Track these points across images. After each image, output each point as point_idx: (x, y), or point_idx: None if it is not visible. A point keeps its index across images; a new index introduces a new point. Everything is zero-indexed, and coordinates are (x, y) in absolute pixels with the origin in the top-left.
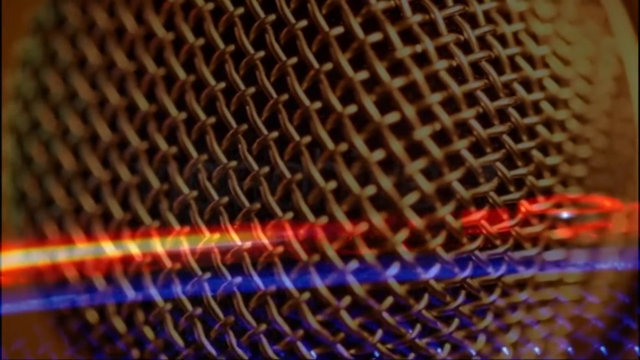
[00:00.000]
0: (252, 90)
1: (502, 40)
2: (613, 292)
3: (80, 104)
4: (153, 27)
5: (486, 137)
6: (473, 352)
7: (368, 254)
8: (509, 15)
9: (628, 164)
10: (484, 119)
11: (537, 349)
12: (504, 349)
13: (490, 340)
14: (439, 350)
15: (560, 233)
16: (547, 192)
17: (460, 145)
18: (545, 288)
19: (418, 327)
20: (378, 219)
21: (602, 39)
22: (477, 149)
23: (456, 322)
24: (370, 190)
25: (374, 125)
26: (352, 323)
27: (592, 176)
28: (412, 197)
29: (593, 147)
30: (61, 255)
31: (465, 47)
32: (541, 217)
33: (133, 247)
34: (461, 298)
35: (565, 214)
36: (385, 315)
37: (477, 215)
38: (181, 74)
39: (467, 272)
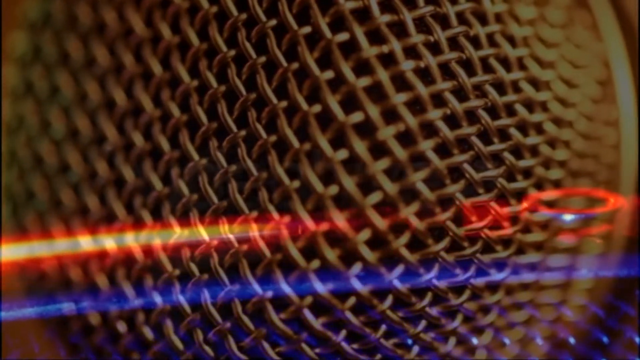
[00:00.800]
0: (223, 88)
1: (475, 42)
2: (589, 302)
3: (65, 101)
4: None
5: (453, 139)
6: (443, 352)
7: (330, 253)
8: (485, 16)
9: (609, 168)
10: (452, 121)
11: (514, 350)
12: (478, 350)
13: (462, 341)
14: (406, 351)
15: (534, 237)
16: (520, 194)
17: (426, 146)
18: (520, 291)
19: (383, 327)
20: (340, 218)
21: (587, 42)
22: (444, 150)
23: (424, 322)
24: (333, 189)
25: (338, 124)
26: (315, 322)
27: (569, 179)
28: (375, 197)
29: (571, 150)
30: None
31: (436, 48)
32: (514, 220)
33: (109, 242)
34: (427, 300)
35: (540, 217)
36: (349, 314)
37: (442, 217)
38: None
39: (433, 273)
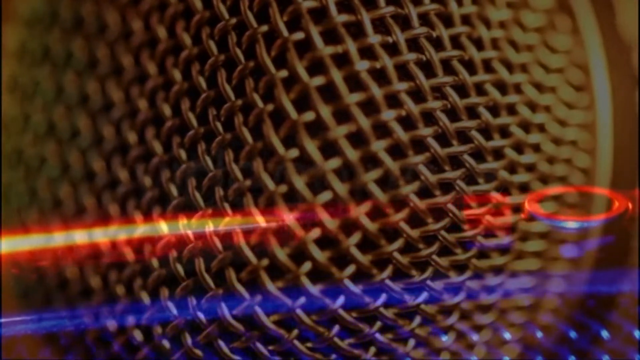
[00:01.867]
0: (185, 85)
1: (438, 43)
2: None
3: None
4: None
5: (407, 140)
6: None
7: (279, 251)
8: (451, 19)
9: (584, 174)
10: (407, 122)
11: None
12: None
13: (423, 342)
14: (363, 351)
15: (493, 239)
16: (482, 197)
17: (378, 146)
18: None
19: (336, 327)
20: (289, 217)
21: (565, 47)
22: (398, 152)
23: (378, 324)
24: (283, 188)
25: (290, 123)
26: (267, 320)
27: (537, 183)
28: (325, 196)
29: (540, 154)
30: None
31: (394, 49)
32: (474, 222)
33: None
34: (381, 300)
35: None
36: (300, 313)
37: (395, 218)
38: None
39: (386, 273)
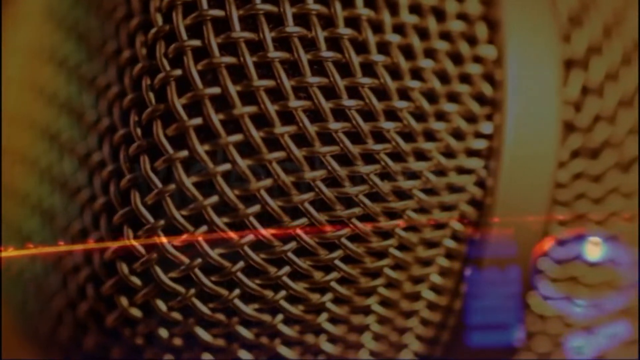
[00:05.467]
0: (115, 89)
1: (345, 69)
2: None
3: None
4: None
5: (300, 156)
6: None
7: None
8: (366, 46)
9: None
10: (303, 139)
11: None
12: None
13: None
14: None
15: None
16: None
17: (270, 157)
18: None
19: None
20: (178, 215)
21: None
22: (291, 166)
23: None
24: (170, 187)
25: (180, 124)
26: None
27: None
28: (212, 199)
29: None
30: None
31: (296, 68)
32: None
33: None
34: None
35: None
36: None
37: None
38: None
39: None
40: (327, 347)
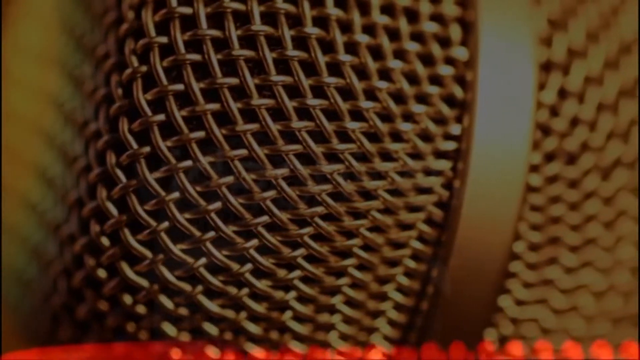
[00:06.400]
0: (102, 92)
1: (311, 68)
2: None
3: None
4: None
5: (262, 154)
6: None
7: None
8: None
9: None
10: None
11: None
12: None
13: None
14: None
15: None
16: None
17: (232, 154)
18: None
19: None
20: (141, 210)
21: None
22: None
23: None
24: (133, 182)
25: (144, 119)
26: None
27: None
28: (174, 195)
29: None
30: None
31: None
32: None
33: None
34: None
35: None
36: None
37: (254, 221)
38: None
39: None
40: (294, 344)
